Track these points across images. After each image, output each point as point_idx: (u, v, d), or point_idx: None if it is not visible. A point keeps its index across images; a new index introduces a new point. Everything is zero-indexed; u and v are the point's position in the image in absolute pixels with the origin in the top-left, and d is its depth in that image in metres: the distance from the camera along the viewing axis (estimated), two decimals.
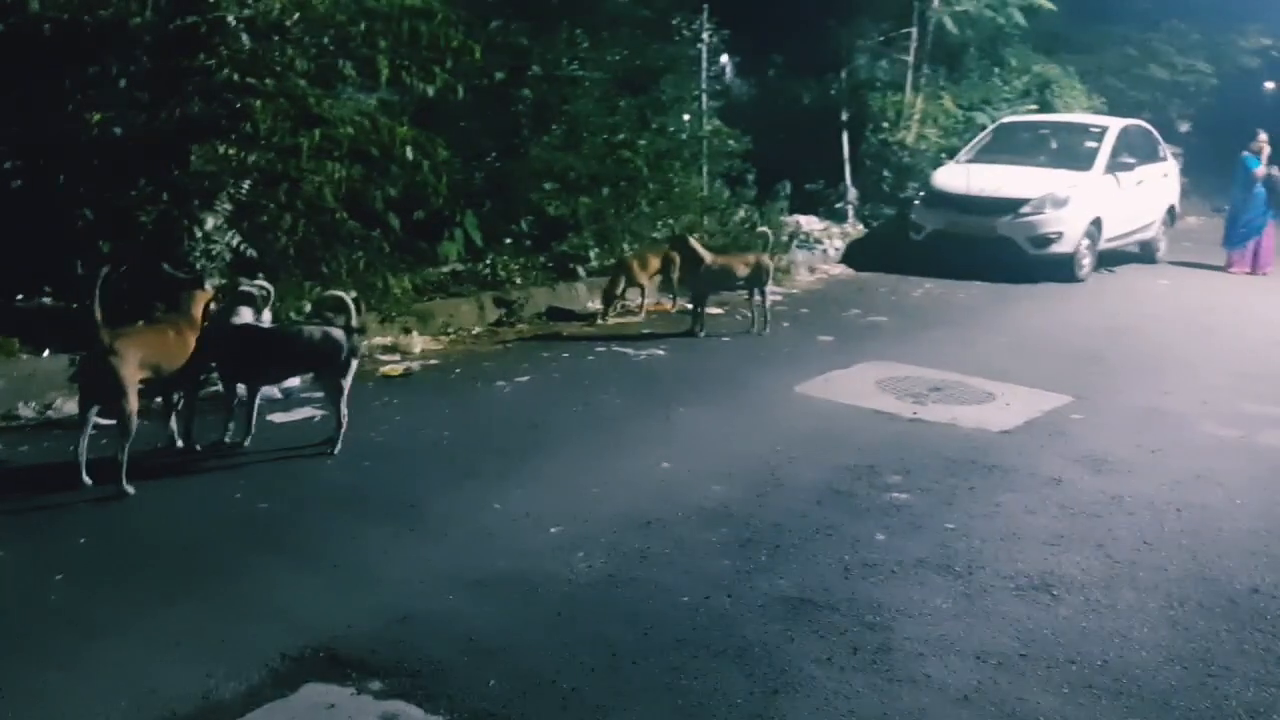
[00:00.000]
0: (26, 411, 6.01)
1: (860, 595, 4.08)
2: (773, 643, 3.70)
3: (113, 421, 4.92)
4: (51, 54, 6.69)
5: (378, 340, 7.79)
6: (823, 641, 3.72)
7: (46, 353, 6.42)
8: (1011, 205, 11.79)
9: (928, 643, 3.73)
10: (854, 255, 12.87)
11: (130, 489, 4.79)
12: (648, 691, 3.37)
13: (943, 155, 14.37)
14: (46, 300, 7.25)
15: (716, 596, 4.02)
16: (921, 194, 13.02)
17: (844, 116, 14.60)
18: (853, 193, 14.35)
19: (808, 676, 3.49)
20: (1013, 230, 11.74)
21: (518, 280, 9.42)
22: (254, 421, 5.66)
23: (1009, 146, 13.33)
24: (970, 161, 13.05)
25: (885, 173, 14.45)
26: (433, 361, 7.62)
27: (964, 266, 11.69)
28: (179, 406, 5.49)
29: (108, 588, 3.96)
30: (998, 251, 11.79)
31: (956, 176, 12.61)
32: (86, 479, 4.86)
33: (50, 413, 6.02)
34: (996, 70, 16.68)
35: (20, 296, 7.20)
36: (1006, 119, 14.74)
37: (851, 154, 14.48)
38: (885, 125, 14.74)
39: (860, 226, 13.97)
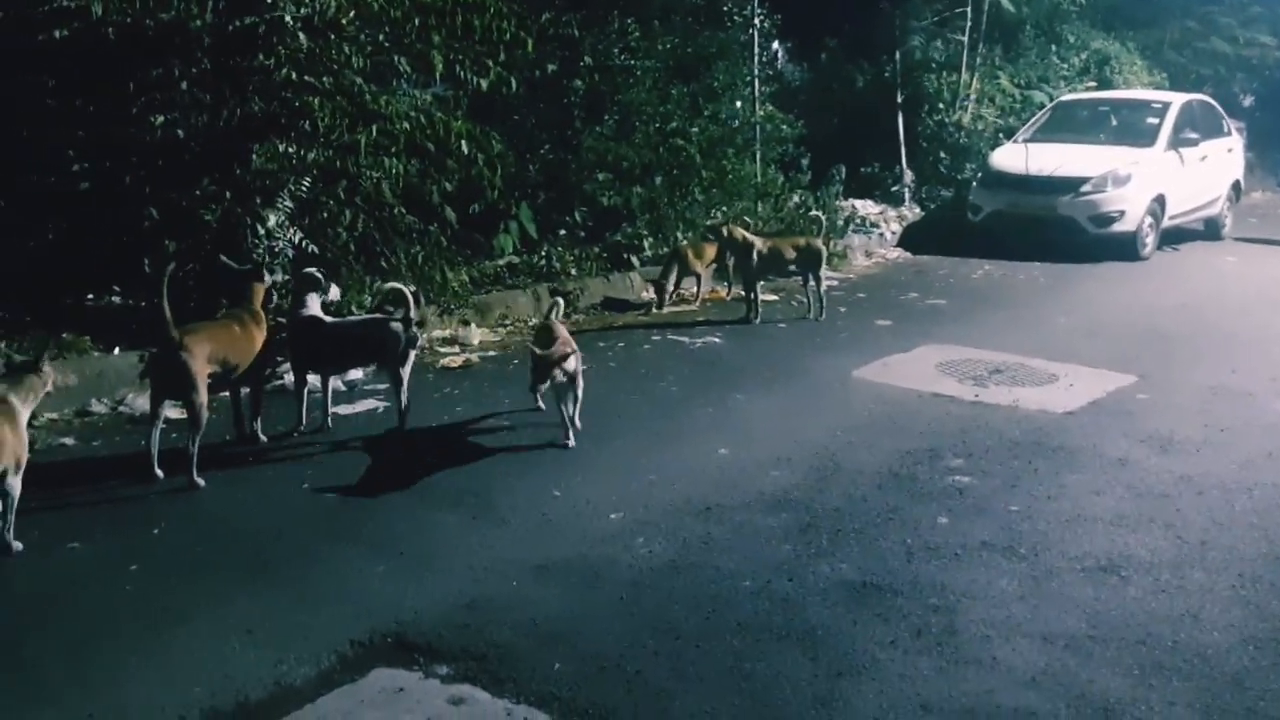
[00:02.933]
0: (99, 407, 6.16)
1: (924, 578, 4.05)
2: (836, 626, 3.69)
3: (183, 415, 5.04)
4: (115, 58, 6.84)
5: (437, 333, 7.88)
6: (886, 625, 3.71)
7: (117, 350, 6.57)
8: (1072, 184, 11.63)
9: (994, 625, 3.70)
10: (911, 238, 12.74)
11: (201, 481, 4.90)
12: (712, 675, 3.38)
13: (1000, 135, 14.23)
14: (116, 299, 7.42)
15: (778, 581, 4.02)
16: (979, 175, 12.90)
17: (899, 99, 14.45)
18: (909, 175, 14.20)
19: (872, 660, 3.48)
20: (1073, 209, 11.59)
21: (573, 271, 9.46)
22: (329, 408, 5.84)
23: (1068, 125, 13.13)
24: (1029, 141, 12.90)
25: (942, 154, 14.31)
26: (491, 353, 7.68)
27: (1024, 247, 11.55)
28: (246, 399, 5.60)
29: (181, 576, 4.05)
30: (1058, 232, 11.66)
31: (1015, 156, 12.45)
32: (158, 471, 4.97)
33: (122, 408, 6.17)
34: (1054, 48, 16.42)
35: (91, 296, 7.38)
36: (1065, 97, 14.53)
37: (907, 136, 14.33)
38: (941, 106, 14.58)
39: (917, 209, 13.83)
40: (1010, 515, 4.66)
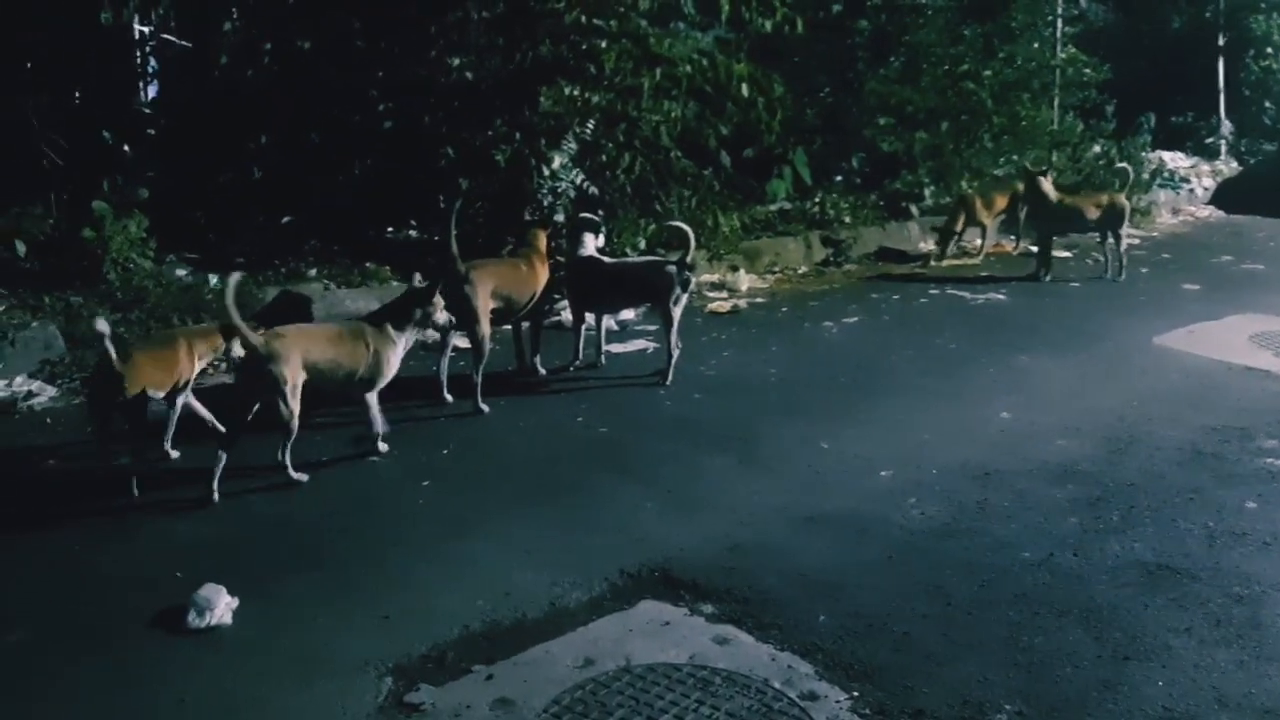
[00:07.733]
0: None
1: (1226, 566, 3.71)
2: (1124, 607, 3.43)
3: (468, 345, 5.32)
4: (417, 1, 7.21)
5: (706, 277, 7.91)
6: (1182, 611, 3.42)
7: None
8: None
9: None
10: (1226, 196, 11.74)
11: (485, 407, 5.17)
12: (986, 644, 3.23)
13: None
14: (413, 233, 7.91)
15: (1061, 555, 3.78)
16: None
17: (1220, 42, 13.22)
18: (1227, 126, 13.03)
19: (1163, 646, 3.22)
20: None
21: (846, 219, 9.25)
22: (603, 346, 6.00)
23: None
24: None
25: (1267, 104, 13.06)
26: (759, 300, 7.65)
27: None
28: (526, 333, 5.83)
29: (468, 494, 4.29)
30: None
31: None
32: (448, 396, 5.29)
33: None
34: None
35: (390, 229, 7.90)
36: None
37: (1228, 84, 13.13)
38: (1270, 51, 13.21)
39: (1234, 164, 12.73)
40: None
